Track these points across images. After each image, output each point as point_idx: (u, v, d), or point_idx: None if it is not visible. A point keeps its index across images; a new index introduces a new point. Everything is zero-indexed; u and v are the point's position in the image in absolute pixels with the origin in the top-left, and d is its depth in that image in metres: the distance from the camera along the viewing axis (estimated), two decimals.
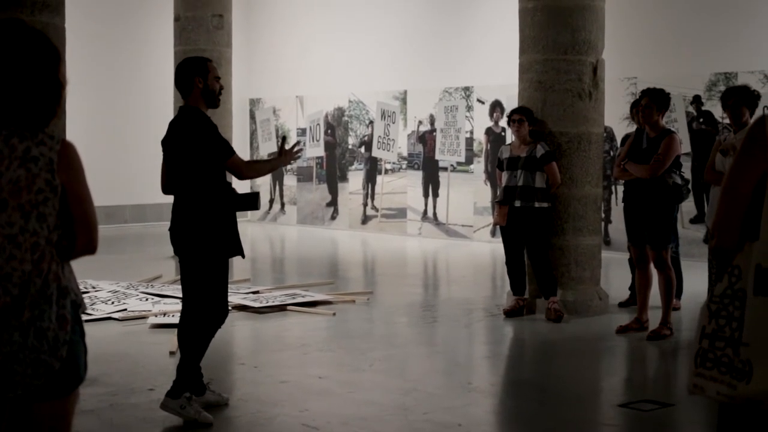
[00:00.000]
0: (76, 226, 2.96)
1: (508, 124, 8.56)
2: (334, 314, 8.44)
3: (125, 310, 8.38)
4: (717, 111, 11.71)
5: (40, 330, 2.86)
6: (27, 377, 2.86)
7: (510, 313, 8.35)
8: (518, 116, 8.37)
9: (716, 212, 2.75)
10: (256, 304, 8.60)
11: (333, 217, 16.63)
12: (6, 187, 2.84)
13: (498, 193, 8.68)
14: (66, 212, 2.94)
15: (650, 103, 7.48)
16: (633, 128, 7.83)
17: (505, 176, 8.41)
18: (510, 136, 13.75)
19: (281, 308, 8.63)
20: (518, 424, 5.47)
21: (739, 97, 7.03)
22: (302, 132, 17.07)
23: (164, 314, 8.13)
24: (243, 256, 5.53)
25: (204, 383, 5.46)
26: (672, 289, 7.57)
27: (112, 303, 8.61)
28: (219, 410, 5.41)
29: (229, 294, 8.90)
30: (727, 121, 11.49)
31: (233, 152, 5.37)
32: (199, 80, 5.34)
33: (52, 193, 2.88)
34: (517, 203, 8.28)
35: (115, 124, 16.21)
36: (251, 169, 5.79)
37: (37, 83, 2.88)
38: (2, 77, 2.84)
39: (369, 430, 5.11)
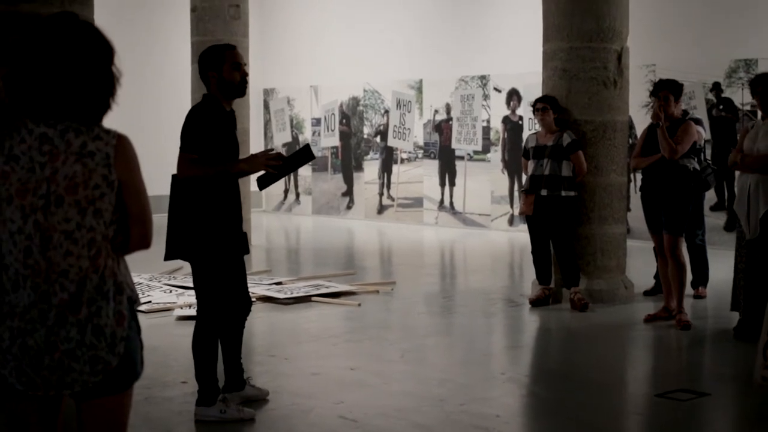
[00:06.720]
0: (131, 220, 2.94)
1: (534, 113, 8.51)
2: (359, 305, 8.41)
3: (150, 302, 8.37)
4: (737, 98, 11.66)
5: (97, 327, 2.83)
6: (85, 374, 2.83)
7: (536, 303, 8.33)
8: (541, 105, 8.33)
9: None
10: (281, 296, 8.59)
11: (349, 207, 16.60)
12: (62, 183, 2.79)
13: (524, 181, 8.64)
14: (120, 207, 2.91)
15: (667, 94, 7.48)
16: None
17: (531, 165, 8.37)
18: (527, 125, 13.78)
19: (306, 299, 8.62)
20: (557, 415, 5.38)
21: None
22: (317, 122, 17.03)
23: (189, 306, 8.11)
24: (248, 252, 5.29)
25: (244, 378, 5.43)
26: (683, 275, 7.53)
27: None
28: (253, 404, 5.37)
29: (252, 285, 8.93)
30: (747, 107, 11.50)
31: (190, 149, 5.02)
32: (213, 74, 5.10)
33: (109, 189, 2.84)
34: (544, 192, 8.24)
35: (131, 116, 16.01)
36: (192, 168, 5.05)
37: (92, 77, 2.83)
38: (57, 71, 2.80)
39: (407, 421, 5.09)
